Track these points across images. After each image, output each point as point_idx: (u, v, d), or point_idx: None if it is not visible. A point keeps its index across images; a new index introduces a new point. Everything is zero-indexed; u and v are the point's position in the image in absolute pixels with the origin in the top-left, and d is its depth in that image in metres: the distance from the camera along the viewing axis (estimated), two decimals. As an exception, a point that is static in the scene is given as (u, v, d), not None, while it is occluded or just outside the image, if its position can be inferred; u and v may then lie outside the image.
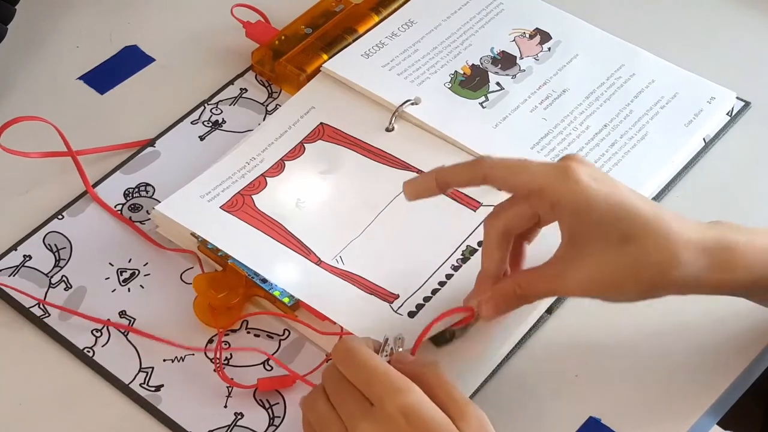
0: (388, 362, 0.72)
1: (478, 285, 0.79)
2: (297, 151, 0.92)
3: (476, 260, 0.82)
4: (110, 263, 0.88)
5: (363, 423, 0.69)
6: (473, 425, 0.70)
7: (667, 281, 0.73)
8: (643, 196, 0.75)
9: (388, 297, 0.83)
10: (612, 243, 0.72)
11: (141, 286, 0.86)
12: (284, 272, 0.84)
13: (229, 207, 0.88)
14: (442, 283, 0.83)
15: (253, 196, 0.89)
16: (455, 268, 0.84)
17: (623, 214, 0.73)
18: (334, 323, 0.81)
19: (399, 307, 0.82)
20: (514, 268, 0.80)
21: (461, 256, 0.85)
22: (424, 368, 0.72)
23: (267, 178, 0.90)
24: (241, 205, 0.88)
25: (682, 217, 0.75)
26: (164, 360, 0.83)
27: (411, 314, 0.82)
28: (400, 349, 0.75)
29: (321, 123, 0.94)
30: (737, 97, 0.96)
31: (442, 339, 0.81)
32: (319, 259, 0.85)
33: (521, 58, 0.98)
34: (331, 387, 0.72)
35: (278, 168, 0.91)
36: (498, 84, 0.97)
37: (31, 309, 0.85)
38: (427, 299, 0.83)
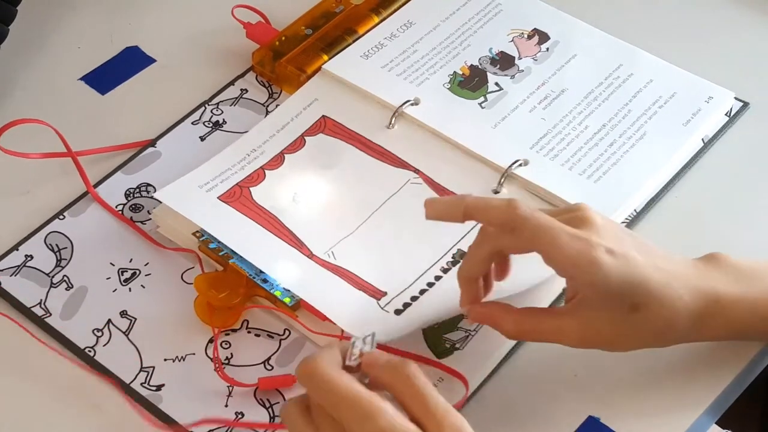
0: (359, 365, 0.68)
1: (464, 288, 0.79)
2: (297, 144, 0.92)
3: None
4: (111, 263, 0.88)
5: None
6: None
7: (661, 341, 0.78)
8: (653, 261, 0.76)
9: (376, 293, 0.83)
10: (622, 312, 0.75)
11: (142, 285, 0.87)
12: (276, 263, 0.85)
13: (227, 198, 0.88)
14: (430, 284, 0.84)
15: (250, 188, 0.89)
16: (445, 270, 0.84)
17: (635, 287, 0.74)
18: (335, 324, 0.82)
19: (386, 305, 0.82)
20: (496, 277, 0.80)
21: (451, 259, 0.85)
22: (396, 374, 0.68)
23: (266, 171, 0.91)
24: (239, 196, 0.89)
25: (682, 275, 0.76)
26: (165, 359, 0.83)
27: (397, 312, 0.82)
28: (370, 349, 0.69)
29: (323, 116, 0.94)
30: (736, 98, 0.96)
31: (443, 350, 0.81)
32: (311, 252, 0.85)
33: (520, 58, 0.99)
34: (312, 402, 0.69)
35: (278, 161, 0.91)
36: (497, 84, 0.97)
37: (32, 309, 0.85)
38: (414, 299, 0.83)
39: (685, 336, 0.78)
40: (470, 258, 0.78)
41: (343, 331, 0.81)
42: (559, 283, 0.82)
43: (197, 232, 0.87)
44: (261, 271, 0.85)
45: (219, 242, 0.86)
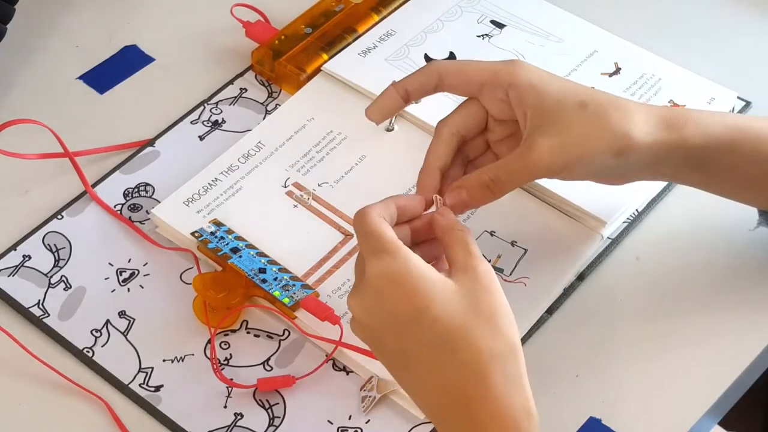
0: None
1: (424, 180, 0.79)
2: None
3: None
4: (110, 263, 0.88)
5: (350, 298, 0.71)
6: (475, 279, 0.70)
7: (628, 138, 0.77)
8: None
9: None
10: (572, 109, 0.77)
11: (140, 286, 0.86)
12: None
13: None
14: None
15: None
16: None
17: (575, 86, 0.79)
18: (334, 324, 0.81)
19: None
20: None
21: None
22: (452, 233, 0.74)
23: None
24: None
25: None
26: (164, 360, 0.82)
27: None
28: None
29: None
30: (738, 97, 0.96)
31: None
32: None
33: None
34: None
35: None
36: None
37: (30, 309, 0.85)
38: None
39: (653, 140, 0.77)
40: (431, 148, 0.80)
41: (341, 337, 0.80)
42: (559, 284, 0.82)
43: (196, 231, 0.87)
44: (260, 271, 0.84)
45: (218, 242, 0.86)
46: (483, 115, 0.81)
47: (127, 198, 0.91)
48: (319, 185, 0.91)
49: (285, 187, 0.91)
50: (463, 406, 0.68)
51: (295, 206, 0.90)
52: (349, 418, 0.80)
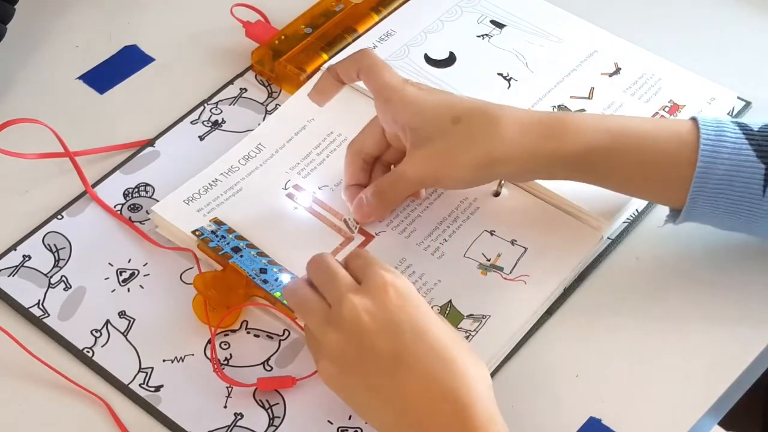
0: None
1: (346, 197, 0.88)
2: None
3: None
4: (110, 263, 0.88)
5: (350, 295, 0.73)
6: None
7: (495, 154, 0.81)
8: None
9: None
10: (445, 124, 0.81)
11: (140, 286, 0.86)
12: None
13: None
14: None
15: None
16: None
17: (454, 102, 0.83)
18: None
19: None
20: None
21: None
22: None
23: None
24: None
25: (515, 107, 0.83)
26: (164, 360, 0.82)
27: None
28: None
29: None
30: (738, 97, 0.96)
31: None
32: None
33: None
34: (314, 273, 0.77)
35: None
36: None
37: (30, 309, 0.85)
38: None
39: (532, 151, 0.80)
40: (344, 170, 0.88)
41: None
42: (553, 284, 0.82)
43: (197, 230, 0.87)
44: (261, 271, 0.84)
45: (219, 241, 0.86)
46: (381, 132, 0.87)
47: (127, 198, 0.91)
48: (319, 188, 0.91)
49: (285, 189, 0.91)
50: (458, 409, 0.70)
51: (295, 208, 0.90)
52: (349, 418, 0.80)
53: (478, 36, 1.01)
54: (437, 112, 0.82)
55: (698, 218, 0.83)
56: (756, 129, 0.81)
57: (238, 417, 0.80)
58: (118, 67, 1.01)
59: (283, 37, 1.00)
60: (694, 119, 0.82)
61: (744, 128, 0.81)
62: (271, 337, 0.84)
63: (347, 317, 0.73)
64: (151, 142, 0.95)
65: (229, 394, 0.81)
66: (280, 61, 0.98)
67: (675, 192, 0.82)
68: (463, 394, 0.70)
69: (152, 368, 0.82)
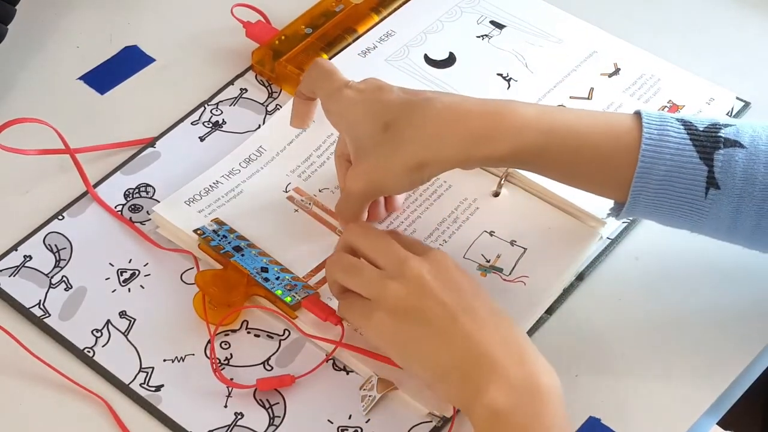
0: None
1: (337, 165, 0.88)
2: None
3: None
4: (110, 263, 0.88)
5: (412, 257, 0.77)
6: None
7: (422, 159, 0.80)
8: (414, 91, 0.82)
9: None
10: (377, 132, 0.81)
11: (141, 286, 0.86)
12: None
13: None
14: None
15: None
16: None
17: (386, 105, 0.81)
18: (336, 325, 0.81)
19: None
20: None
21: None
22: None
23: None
24: None
25: (451, 94, 0.82)
26: (164, 360, 0.83)
27: None
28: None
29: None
30: (737, 98, 0.96)
31: None
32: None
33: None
34: (363, 241, 0.80)
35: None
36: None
37: (31, 309, 0.85)
38: None
39: (465, 156, 0.79)
40: (340, 134, 0.86)
41: (342, 337, 0.81)
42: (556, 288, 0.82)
43: (198, 229, 0.87)
44: (262, 270, 0.84)
45: (220, 240, 0.86)
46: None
47: (128, 199, 0.92)
48: (320, 191, 0.91)
49: (286, 192, 0.91)
50: (522, 351, 0.74)
51: (296, 211, 0.90)
52: (349, 417, 0.80)
53: (478, 36, 1.01)
54: (369, 121, 0.81)
55: (641, 215, 0.82)
56: (701, 128, 0.79)
57: (239, 416, 0.80)
58: (119, 68, 1.01)
59: (283, 37, 1.00)
60: (638, 113, 0.80)
61: (688, 127, 0.79)
62: (272, 337, 0.84)
63: (410, 275, 0.76)
64: (151, 143, 0.95)
65: (229, 393, 0.81)
66: (281, 61, 0.98)
67: (615, 191, 0.81)
68: (524, 340, 0.75)
69: (153, 368, 0.82)
